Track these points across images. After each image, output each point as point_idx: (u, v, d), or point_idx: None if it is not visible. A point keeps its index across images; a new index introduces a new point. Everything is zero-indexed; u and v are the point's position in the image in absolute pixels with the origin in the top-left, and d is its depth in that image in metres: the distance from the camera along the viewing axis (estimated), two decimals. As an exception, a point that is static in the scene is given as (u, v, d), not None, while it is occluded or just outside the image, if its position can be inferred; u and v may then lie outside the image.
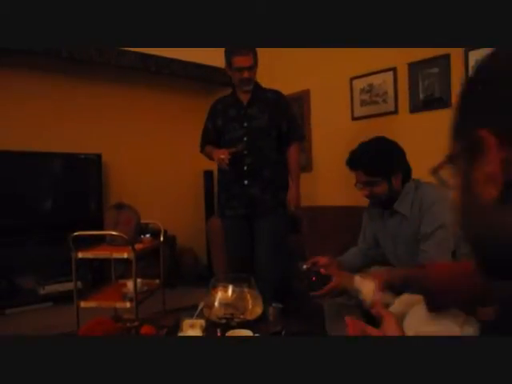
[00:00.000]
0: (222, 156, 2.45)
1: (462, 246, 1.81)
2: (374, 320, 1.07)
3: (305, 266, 1.84)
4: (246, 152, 2.52)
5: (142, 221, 2.88)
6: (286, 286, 2.59)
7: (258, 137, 2.54)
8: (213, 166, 4.53)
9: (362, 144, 1.91)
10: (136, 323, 1.75)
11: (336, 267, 1.96)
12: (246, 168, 2.54)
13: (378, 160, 1.82)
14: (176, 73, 3.98)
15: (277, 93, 2.66)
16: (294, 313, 2.33)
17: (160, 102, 4.32)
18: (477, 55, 2.59)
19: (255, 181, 2.53)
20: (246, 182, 2.54)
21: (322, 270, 1.78)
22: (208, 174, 4.47)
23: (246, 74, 2.48)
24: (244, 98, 2.59)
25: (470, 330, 1.14)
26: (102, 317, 1.79)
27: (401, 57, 2.95)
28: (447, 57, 2.75)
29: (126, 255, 2.37)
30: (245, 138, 2.53)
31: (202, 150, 2.81)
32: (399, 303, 1.56)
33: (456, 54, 2.70)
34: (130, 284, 2.47)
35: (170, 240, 4.03)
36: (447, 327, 1.17)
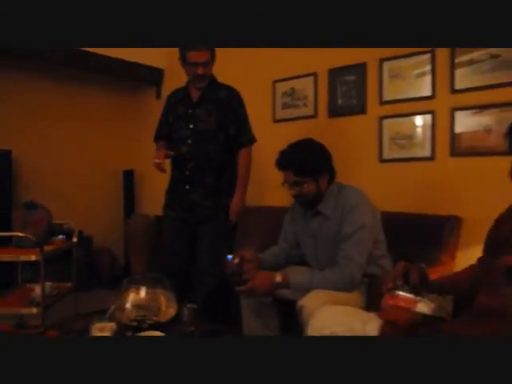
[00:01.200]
0: (157, 161, 2.35)
1: (377, 248, 1.91)
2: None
3: (230, 257, 1.92)
4: (188, 156, 2.41)
5: (56, 221, 2.74)
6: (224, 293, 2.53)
7: (204, 140, 2.41)
8: (133, 165, 4.41)
9: (291, 145, 1.95)
10: (40, 329, 1.64)
11: (256, 265, 1.99)
12: (187, 173, 2.43)
13: (307, 160, 1.87)
14: (98, 69, 3.81)
15: (230, 91, 2.51)
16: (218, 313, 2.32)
17: (80, 99, 4.10)
18: (390, 65, 2.74)
19: (197, 186, 2.42)
20: (187, 186, 2.44)
21: (246, 266, 1.86)
22: (128, 174, 4.33)
23: (200, 71, 2.34)
24: (195, 95, 2.46)
25: (372, 328, 1.18)
26: (2, 324, 1.67)
27: (321, 62, 3.05)
28: (363, 65, 2.88)
29: (33, 257, 2.23)
30: (189, 141, 2.42)
31: (156, 142, 2.67)
32: (310, 301, 1.60)
33: (372, 62, 2.84)
34: (37, 288, 2.32)
35: (86, 241, 3.85)
36: (351, 326, 1.20)
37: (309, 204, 1.95)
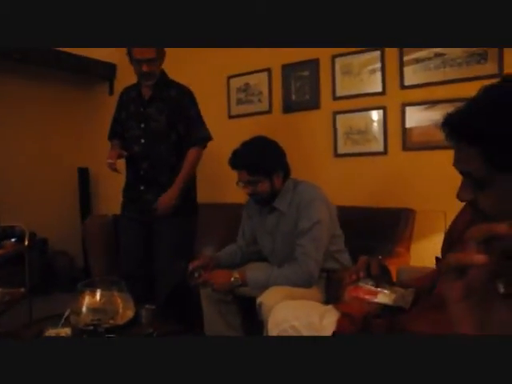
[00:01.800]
0: (110, 161, 2.31)
1: (334, 243, 1.95)
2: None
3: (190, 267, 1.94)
4: (141, 156, 2.38)
5: (5, 224, 2.64)
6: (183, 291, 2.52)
7: (156, 140, 2.37)
8: (87, 163, 4.29)
9: (244, 143, 1.94)
10: (-11, 338, 1.58)
11: (212, 266, 2.00)
12: (142, 173, 2.40)
13: (260, 159, 1.87)
14: (49, 63, 3.67)
15: (181, 89, 2.45)
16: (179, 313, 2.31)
17: (31, 93, 3.93)
18: (342, 61, 2.80)
19: (151, 187, 2.39)
20: (141, 187, 2.41)
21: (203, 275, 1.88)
22: (82, 171, 4.21)
23: (144, 68, 2.28)
24: (146, 94, 2.41)
25: (329, 321, 1.21)
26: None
27: (275, 58, 3.07)
28: (316, 61, 2.92)
29: (-19, 263, 2.14)
30: (142, 140, 2.38)
31: (109, 140, 2.61)
32: (268, 298, 1.63)
33: (324, 59, 2.88)
34: (-13, 295, 2.23)
35: (40, 243, 3.72)
36: (310, 319, 1.24)
37: (264, 201, 1.97)
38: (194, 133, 2.42)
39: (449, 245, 1.13)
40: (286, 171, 1.97)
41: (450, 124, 0.81)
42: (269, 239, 2.04)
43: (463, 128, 0.79)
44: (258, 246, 2.16)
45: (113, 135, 2.59)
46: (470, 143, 0.77)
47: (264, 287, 1.72)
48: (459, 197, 0.84)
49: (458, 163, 0.82)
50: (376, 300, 1.08)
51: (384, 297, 1.08)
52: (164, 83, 2.43)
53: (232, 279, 1.80)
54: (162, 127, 2.36)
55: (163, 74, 2.45)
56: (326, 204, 1.90)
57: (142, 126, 2.38)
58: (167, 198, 2.34)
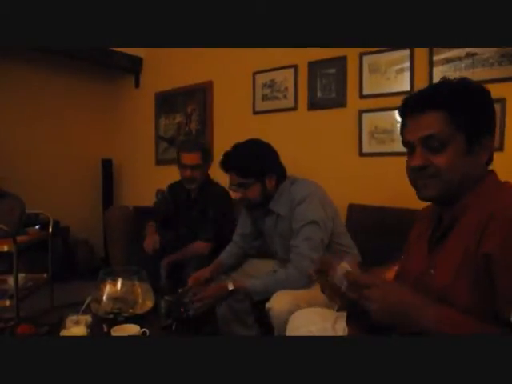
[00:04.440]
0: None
1: (337, 241, 1.92)
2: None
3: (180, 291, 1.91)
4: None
5: (31, 211, 2.68)
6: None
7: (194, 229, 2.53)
8: (111, 155, 4.34)
9: (235, 146, 1.92)
10: (12, 323, 1.61)
11: (203, 282, 2.01)
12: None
13: (250, 162, 1.84)
14: (76, 55, 3.72)
15: (215, 192, 2.55)
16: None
17: (56, 85, 4.00)
18: (370, 59, 2.76)
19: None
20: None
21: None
22: (106, 162, 4.26)
23: (187, 173, 2.43)
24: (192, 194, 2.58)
25: (340, 327, 1.27)
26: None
27: (301, 55, 3.04)
28: (344, 58, 2.88)
29: (6, 248, 2.18)
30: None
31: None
32: (276, 303, 1.61)
33: (352, 56, 2.84)
34: (10, 280, 2.28)
35: (63, 231, 3.79)
36: (322, 326, 1.31)
37: (255, 206, 1.95)
38: (203, 230, 2.47)
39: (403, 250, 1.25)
40: (280, 174, 1.94)
41: (420, 95, 1.00)
42: (268, 241, 2.05)
43: (432, 96, 0.97)
44: (256, 242, 2.16)
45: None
46: (437, 107, 0.95)
47: (264, 294, 1.72)
48: (414, 164, 0.98)
49: (419, 131, 0.98)
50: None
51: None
52: (205, 188, 2.53)
53: (229, 288, 1.82)
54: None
55: (208, 179, 2.56)
56: (321, 201, 1.85)
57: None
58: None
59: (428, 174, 0.98)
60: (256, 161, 1.85)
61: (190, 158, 2.42)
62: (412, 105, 1.01)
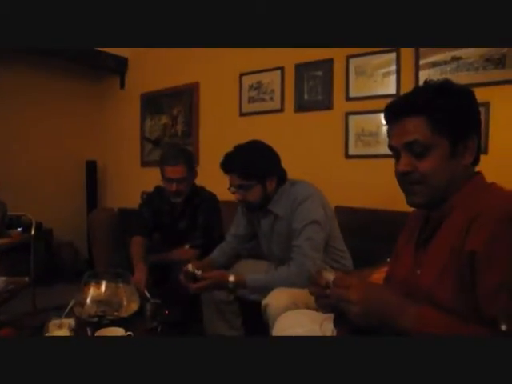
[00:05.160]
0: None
1: (332, 244, 1.92)
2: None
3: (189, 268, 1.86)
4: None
5: (13, 213, 2.63)
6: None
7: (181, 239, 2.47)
8: (96, 156, 4.29)
9: (236, 147, 1.89)
10: (-7, 326, 1.56)
11: (208, 267, 1.97)
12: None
13: (252, 164, 1.82)
14: (59, 55, 3.66)
15: (203, 199, 2.48)
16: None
17: (41, 85, 3.93)
18: (357, 62, 2.77)
19: None
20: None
21: (197, 273, 1.81)
22: (91, 164, 4.21)
23: (173, 187, 2.31)
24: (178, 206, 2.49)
25: (328, 328, 1.24)
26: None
27: (288, 57, 3.05)
28: (330, 61, 2.90)
29: (-14, 250, 2.13)
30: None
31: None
32: (274, 300, 1.61)
33: (338, 59, 2.85)
34: (-9, 282, 2.22)
35: (46, 234, 3.73)
36: (310, 327, 1.30)
37: (254, 208, 1.94)
38: (192, 237, 2.43)
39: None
40: (280, 176, 1.92)
41: (402, 101, 1.01)
42: (264, 241, 2.03)
43: (414, 102, 0.97)
44: (249, 243, 2.14)
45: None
46: (419, 112, 0.95)
47: (262, 290, 1.70)
48: (399, 170, 0.99)
49: (403, 136, 0.98)
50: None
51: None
52: (191, 198, 2.45)
53: (230, 280, 1.78)
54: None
55: (194, 188, 2.48)
56: (321, 203, 1.85)
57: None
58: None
59: (413, 179, 0.98)
60: (258, 163, 1.82)
61: (174, 172, 2.30)
62: (395, 110, 1.02)
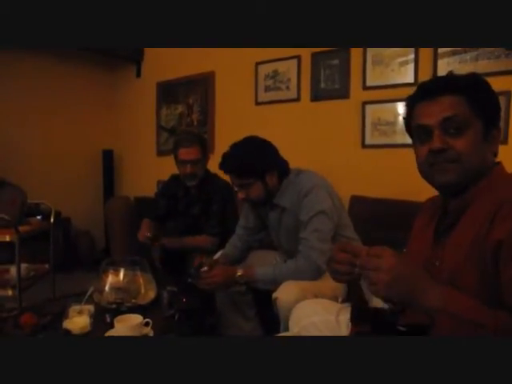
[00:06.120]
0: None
1: (341, 233, 1.91)
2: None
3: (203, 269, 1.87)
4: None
5: (32, 201, 2.67)
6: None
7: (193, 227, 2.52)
8: (112, 145, 4.33)
9: (232, 146, 1.87)
10: (14, 312, 1.61)
11: (219, 263, 1.98)
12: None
13: (246, 162, 1.80)
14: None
15: (217, 186, 2.49)
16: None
17: (57, 74, 3.97)
18: (374, 51, 2.74)
19: None
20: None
21: (202, 270, 1.83)
22: (107, 153, 4.25)
23: (188, 169, 2.34)
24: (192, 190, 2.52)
25: (344, 319, 1.27)
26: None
27: (305, 46, 3.02)
28: (347, 50, 2.86)
29: (8, 238, 2.17)
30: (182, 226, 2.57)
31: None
32: (284, 293, 1.61)
33: (355, 48, 2.82)
34: (13, 270, 2.28)
35: (64, 222, 3.78)
36: (325, 317, 1.32)
37: (259, 204, 1.94)
38: (209, 226, 2.46)
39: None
40: (281, 169, 1.89)
41: (438, 80, 1.03)
42: (274, 234, 2.03)
43: (452, 81, 0.99)
44: (259, 234, 2.14)
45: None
46: (457, 92, 0.97)
47: (272, 283, 1.70)
48: (435, 147, 0.97)
49: (440, 113, 0.97)
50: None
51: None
52: (206, 183, 2.47)
53: (237, 274, 1.79)
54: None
55: (207, 173, 2.49)
56: (328, 192, 1.82)
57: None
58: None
59: (448, 157, 0.96)
60: (253, 160, 1.80)
61: (189, 153, 2.33)
62: (432, 88, 1.01)
